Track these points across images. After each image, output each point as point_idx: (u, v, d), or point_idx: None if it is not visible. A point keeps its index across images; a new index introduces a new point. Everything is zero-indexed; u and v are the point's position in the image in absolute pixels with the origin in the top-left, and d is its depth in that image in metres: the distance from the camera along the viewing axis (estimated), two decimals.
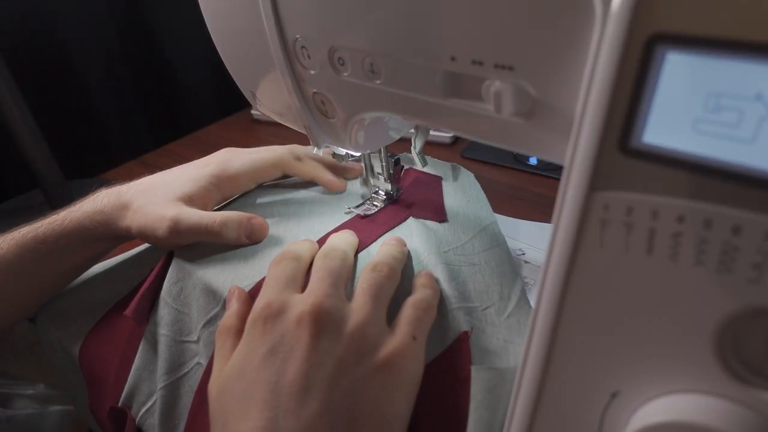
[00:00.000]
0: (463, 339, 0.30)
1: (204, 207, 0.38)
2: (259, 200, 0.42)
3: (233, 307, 0.31)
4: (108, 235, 0.38)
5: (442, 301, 0.31)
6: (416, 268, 0.33)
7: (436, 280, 0.32)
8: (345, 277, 0.30)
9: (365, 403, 0.25)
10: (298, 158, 0.43)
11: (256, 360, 0.26)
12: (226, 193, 0.41)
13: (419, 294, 0.30)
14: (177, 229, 0.35)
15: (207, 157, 0.42)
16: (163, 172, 0.41)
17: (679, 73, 0.14)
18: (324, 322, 0.26)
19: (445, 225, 0.38)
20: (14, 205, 0.69)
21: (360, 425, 0.25)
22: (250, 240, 0.36)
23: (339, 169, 0.44)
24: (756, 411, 0.16)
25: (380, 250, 0.33)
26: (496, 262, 0.35)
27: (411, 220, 0.38)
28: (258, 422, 0.24)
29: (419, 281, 0.31)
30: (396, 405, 0.26)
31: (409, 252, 0.34)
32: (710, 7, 0.13)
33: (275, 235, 0.37)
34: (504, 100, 0.20)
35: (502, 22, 0.19)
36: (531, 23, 0.19)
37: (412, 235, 0.36)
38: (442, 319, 0.30)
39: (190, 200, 0.37)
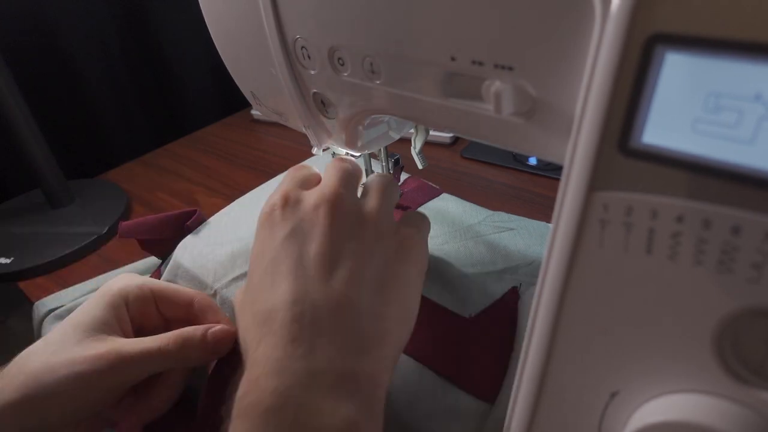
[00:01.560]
0: (512, 295, 0.31)
1: (124, 330, 0.31)
2: (255, 202, 0.42)
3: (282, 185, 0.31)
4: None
5: (486, 266, 0.34)
6: (454, 240, 0.34)
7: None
8: (357, 178, 0.31)
9: (389, 274, 0.27)
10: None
11: (278, 240, 0.26)
12: (134, 311, 0.32)
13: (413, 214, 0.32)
14: (120, 367, 0.27)
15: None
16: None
17: (679, 74, 0.14)
18: (340, 206, 0.27)
19: (463, 205, 0.39)
20: (14, 205, 0.69)
21: (386, 292, 0.26)
22: (216, 355, 0.30)
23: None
24: (756, 411, 0.16)
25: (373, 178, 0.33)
26: (532, 226, 0.37)
27: (430, 204, 0.39)
28: (287, 292, 0.24)
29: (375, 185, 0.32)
30: (413, 279, 0.28)
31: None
32: (710, 7, 0.13)
33: None
34: (504, 100, 0.20)
35: (502, 22, 0.19)
36: (531, 23, 0.19)
37: (435, 217, 0.37)
38: (489, 283, 0.31)
39: (104, 327, 0.29)
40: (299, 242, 0.26)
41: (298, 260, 0.25)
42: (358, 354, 0.24)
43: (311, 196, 0.28)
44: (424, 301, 0.30)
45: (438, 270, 0.36)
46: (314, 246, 0.26)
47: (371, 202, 0.29)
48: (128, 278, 0.32)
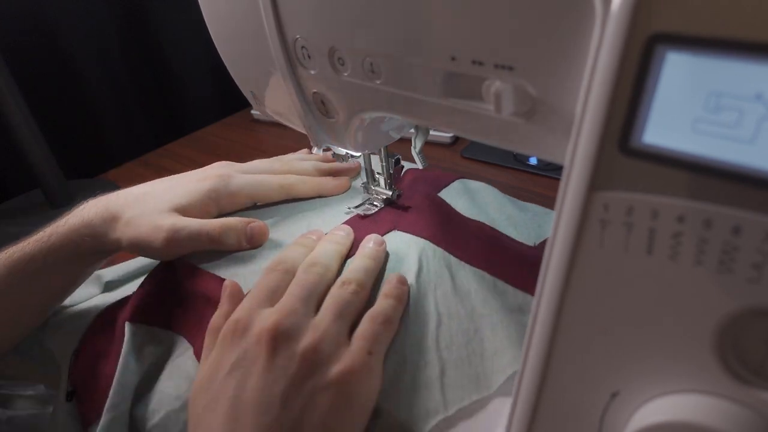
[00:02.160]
0: None
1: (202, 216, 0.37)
2: (253, 202, 0.42)
3: (223, 307, 0.31)
4: (97, 248, 0.37)
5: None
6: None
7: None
8: (320, 292, 0.31)
9: (313, 421, 0.26)
10: (303, 173, 0.43)
11: (222, 373, 0.28)
12: (223, 210, 0.39)
13: (379, 306, 0.30)
14: (176, 239, 0.34)
15: (202, 169, 0.41)
16: (154, 181, 0.40)
17: (679, 73, 0.14)
18: (280, 340, 0.27)
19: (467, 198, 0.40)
20: (14, 205, 0.69)
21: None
22: (251, 245, 0.36)
23: (339, 170, 0.44)
24: (756, 411, 0.16)
25: (353, 260, 0.33)
26: (542, 210, 0.39)
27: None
28: (223, 418, 0.26)
29: (384, 289, 0.31)
30: (345, 424, 0.27)
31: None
32: (710, 7, 0.13)
33: (274, 238, 0.37)
34: (504, 100, 0.20)
35: (502, 22, 0.19)
36: (531, 23, 0.18)
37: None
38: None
39: (185, 213, 0.37)
40: (239, 378, 0.27)
41: (233, 402, 0.26)
42: None
43: (258, 325, 0.28)
44: (499, 234, 0.36)
45: (501, 208, 0.39)
46: (250, 385, 0.26)
47: (316, 330, 0.28)
48: (228, 184, 0.39)
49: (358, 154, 0.38)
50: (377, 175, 0.40)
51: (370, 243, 0.34)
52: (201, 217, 0.37)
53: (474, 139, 0.25)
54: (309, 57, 0.29)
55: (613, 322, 0.18)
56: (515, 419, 0.21)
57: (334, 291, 0.31)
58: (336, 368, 0.27)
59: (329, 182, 0.42)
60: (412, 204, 0.39)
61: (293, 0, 0.27)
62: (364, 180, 0.41)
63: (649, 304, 0.17)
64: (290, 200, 0.41)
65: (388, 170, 0.39)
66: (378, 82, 0.26)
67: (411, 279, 0.32)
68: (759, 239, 0.14)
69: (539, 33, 0.18)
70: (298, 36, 0.28)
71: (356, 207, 0.39)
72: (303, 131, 0.36)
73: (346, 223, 0.37)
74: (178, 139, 0.81)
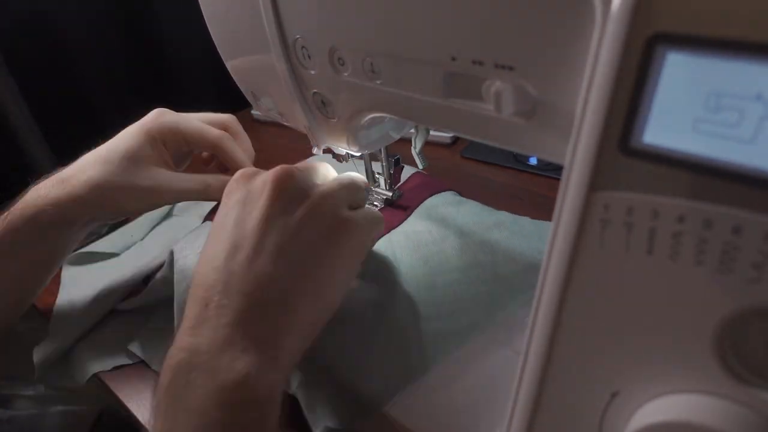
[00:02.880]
0: None
1: (164, 163, 0.40)
2: None
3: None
4: (60, 215, 0.37)
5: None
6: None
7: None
8: (325, 175, 0.33)
9: (312, 251, 0.28)
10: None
11: (228, 205, 0.30)
12: (166, 142, 0.40)
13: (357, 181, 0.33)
14: (160, 197, 0.38)
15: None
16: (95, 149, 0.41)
17: (680, 73, 0.14)
18: (286, 184, 0.29)
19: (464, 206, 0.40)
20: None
21: (303, 269, 0.28)
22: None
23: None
24: (756, 411, 0.16)
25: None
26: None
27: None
28: (216, 258, 0.28)
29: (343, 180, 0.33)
30: (333, 270, 0.29)
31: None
32: (710, 7, 0.13)
33: None
34: (504, 100, 0.20)
35: (503, 22, 0.19)
36: (531, 23, 0.18)
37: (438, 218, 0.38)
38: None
39: (143, 158, 0.38)
40: (243, 210, 0.29)
41: (235, 228, 0.28)
42: (261, 320, 0.26)
43: (267, 173, 0.30)
44: None
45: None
46: (252, 217, 0.28)
47: (321, 186, 0.31)
48: (161, 118, 0.40)
49: (358, 154, 0.38)
50: (377, 176, 0.40)
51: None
52: (156, 156, 0.39)
53: (474, 139, 0.25)
54: (309, 57, 0.29)
55: (613, 321, 0.18)
56: (515, 419, 0.21)
57: (340, 175, 0.33)
58: (337, 219, 0.29)
59: (220, 180, 0.41)
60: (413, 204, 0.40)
61: (293, 0, 0.27)
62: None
63: (650, 304, 0.17)
64: None
65: (388, 170, 0.39)
66: (378, 82, 0.26)
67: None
68: (759, 239, 0.14)
69: (539, 33, 0.18)
70: (298, 36, 0.28)
71: None
72: (303, 131, 0.36)
73: None
74: None
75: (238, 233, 0.28)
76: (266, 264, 0.27)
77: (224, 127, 0.43)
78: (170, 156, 0.41)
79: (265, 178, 0.30)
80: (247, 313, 0.26)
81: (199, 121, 0.41)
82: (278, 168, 0.30)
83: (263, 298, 0.27)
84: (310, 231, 0.29)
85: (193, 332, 0.26)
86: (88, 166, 0.38)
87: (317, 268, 0.28)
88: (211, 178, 0.40)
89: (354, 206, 0.32)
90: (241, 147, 0.43)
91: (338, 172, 0.36)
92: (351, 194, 0.32)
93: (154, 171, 0.38)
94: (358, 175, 0.34)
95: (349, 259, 0.30)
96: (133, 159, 0.38)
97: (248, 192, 0.30)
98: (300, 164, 0.32)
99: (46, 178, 0.39)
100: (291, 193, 0.29)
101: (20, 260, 0.38)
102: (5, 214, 0.37)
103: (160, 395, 0.25)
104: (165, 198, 0.39)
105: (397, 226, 0.39)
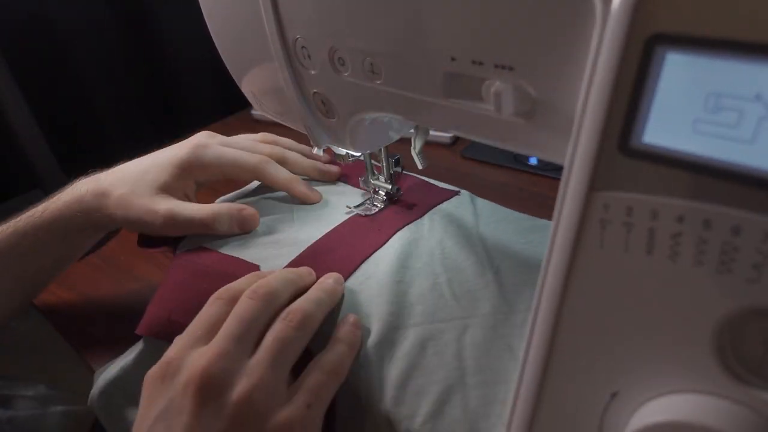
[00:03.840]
0: None
1: (184, 195, 0.40)
2: (258, 198, 0.42)
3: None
4: (89, 224, 0.38)
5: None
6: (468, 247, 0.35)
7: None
8: (261, 324, 0.28)
9: None
10: (283, 160, 0.42)
11: (147, 423, 0.26)
12: (198, 179, 0.41)
13: (330, 353, 0.28)
14: (172, 223, 0.37)
15: (187, 140, 0.42)
16: (138, 159, 0.41)
17: (679, 73, 0.14)
18: (208, 390, 0.25)
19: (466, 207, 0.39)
20: (14, 205, 0.69)
21: None
22: (242, 230, 0.37)
23: (319, 172, 0.44)
24: (756, 411, 0.16)
25: (308, 291, 0.31)
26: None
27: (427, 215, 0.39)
28: None
29: (339, 332, 0.29)
30: None
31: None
32: (710, 7, 0.13)
33: (274, 236, 0.37)
34: (504, 100, 0.20)
35: (502, 22, 0.19)
36: (531, 23, 0.19)
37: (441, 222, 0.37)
38: None
39: (168, 189, 0.39)
40: (164, 429, 0.25)
41: None
42: None
43: (187, 370, 0.26)
44: None
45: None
46: None
47: (251, 376, 0.26)
48: (202, 154, 0.40)
49: (358, 154, 0.38)
50: (377, 176, 0.40)
51: (329, 279, 0.32)
52: (183, 192, 0.40)
53: (474, 139, 0.25)
54: (309, 57, 0.29)
55: (612, 322, 0.18)
56: (515, 419, 0.21)
57: (276, 325, 0.28)
58: (270, 423, 0.25)
59: (301, 186, 0.41)
60: (414, 203, 0.40)
61: (293, 0, 0.27)
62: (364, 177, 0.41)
63: (649, 304, 0.17)
64: (290, 200, 0.41)
65: (388, 170, 0.39)
66: (378, 82, 0.26)
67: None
68: (759, 239, 0.14)
69: (539, 33, 0.18)
70: (298, 36, 0.28)
71: (356, 206, 0.39)
72: (303, 131, 0.36)
73: (346, 222, 0.37)
74: (178, 139, 0.81)
75: None
76: None
77: (271, 141, 0.44)
78: (193, 189, 0.42)
79: (187, 381, 0.25)
80: None
81: (236, 151, 0.41)
82: (200, 365, 0.25)
83: None
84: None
85: None
86: (121, 184, 0.39)
87: None
88: (218, 210, 0.37)
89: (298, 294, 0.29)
90: (290, 157, 0.43)
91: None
92: (289, 358, 0.27)
93: (171, 201, 0.38)
94: (297, 314, 0.28)
95: None
96: (157, 186, 0.38)
97: (170, 401, 0.25)
98: (227, 333, 0.27)
99: (91, 174, 0.40)
100: (214, 403, 0.25)
101: (47, 255, 0.39)
102: (44, 206, 0.38)
103: None
104: (168, 229, 0.38)
105: (406, 224, 0.38)
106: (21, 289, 0.40)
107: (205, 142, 0.41)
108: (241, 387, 0.25)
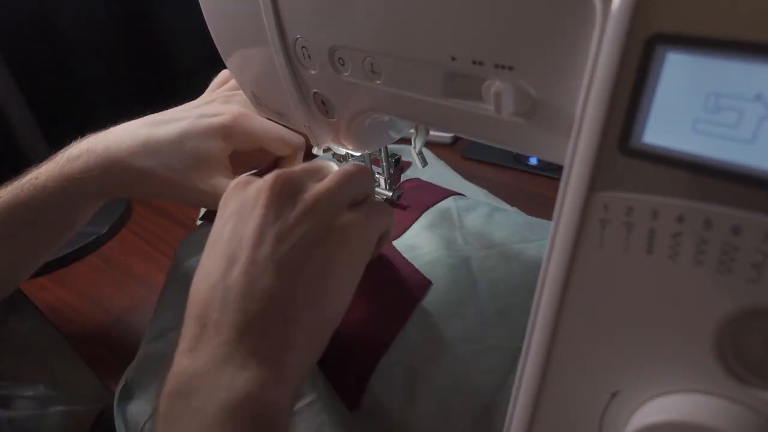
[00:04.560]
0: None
1: (225, 166, 0.39)
2: None
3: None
4: (100, 193, 0.37)
5: None
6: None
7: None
8: (323, 169, 0.31)
9: (308, 266, 0.27)
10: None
11: (223, 219, 0.29)
12: (238, 147, 0.40)
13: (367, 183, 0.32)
14: (213, 202, 0.34)
15: (210, 103, 0.42)
16: (153, 118, 0.40)
17: (679, 73, 0.14)
18: (280, 189, 0.28)
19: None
20: None
21: (301, 277, 0.27)
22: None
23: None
24: (756, 411, 0.16)
25: None
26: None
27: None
28: (211, 275, 0.27)
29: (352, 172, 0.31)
30: (337, 276, 0.28)
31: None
32: (710, 7, 0.13)
33: None
34: (504, 100, 0.20)
35: (502, 22, 0.19)
36: (531, 23, 0.19)
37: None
38: None
39: (212, 162, 0.37)
40: (238, 221, 0.28)
41: (230, 241, 0.27)
42: (261, 336, 0.25)
43: (261, 180, 0.29)
44: None
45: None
46: (248, 229, 0.27)
47: (318, 185, 0.29)
48: (242, 120, 0.39)
49: (358, 154, 0.38)
50: (377, 176, 0.40)
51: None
52: (223, 159, 0.39)
53: (474, 139, 0.25)
54: (309, 57, 0.29)
55: (613, 322, 0.18)
56: (515, 419, 0.21)
57: (340, 168, 0.31)
58: (334, 223, 0.28)
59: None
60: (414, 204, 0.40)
61: (293, 0, 0.27)
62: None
63: (649, 304, 0.17)
64: None
65: (388, 170, 0.39)
66: (378, 82, 0.26)
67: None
68: (759, 239, 0.14)
69: (539, 33, 0.18)
70: (298, 36, 0.28)
71: None
72: (303, 131, 0.36)
73: None
74: None
75: (233, 246, 0.27)
76: (263, 277, 0.26)
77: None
78: (228, 160, 0.40)
79: (260, 185, 0.29)
80: (246, 330, 0.25)
81: (280, 126, 0.40)
82: (273, 174, 0.29)
83: (262, 312, 0.26)
84: (305, 239, 0.27)
85: (190, 354, 0.25)
86: (146, 155, 0.37)
87: (317, 277, 0.27)
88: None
89: (359, 200, 0.30)
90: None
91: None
92: (350, 190, 0.30)
93: (215, 177, 0.37)
94: (358, 165, 0.32)
95: (349, 266, 0.28)
96: (199, 159, 0.37)
97: (243, 201, 0.28)
98: (300, 166, 0.31)
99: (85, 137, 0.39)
100: (286, 200, 0.28)
101: (50, 224, 0.38)
102: (44, 176, 0.37)
103: (159, 425, 0.24)
104: (215, 203, 0.38)
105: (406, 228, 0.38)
106: (24, 257, 0.39)
107: (245, 112, 0.40)
108: (312, 191, 0.29)
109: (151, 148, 0.37)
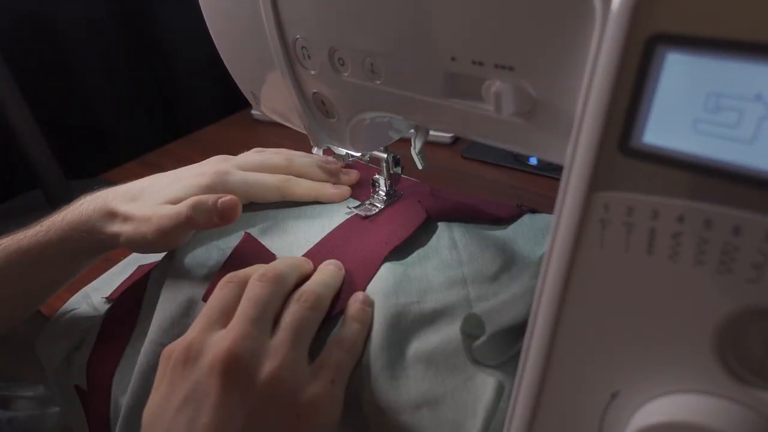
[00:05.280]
0: None
1: None
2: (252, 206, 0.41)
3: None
4: (93, 244, 0.36)
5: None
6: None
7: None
8: (275, 307, 0.29)
9: None
10: (299, 174, 0.41)
11: (173, 406, 0.26)
12: None
13: (344, 330, 0.29)
14: (159, 227, 0.33)
15: (200, 164, 0.40)
16: (153, 176, 0.39)
17: (679, 73, 0.14)
18: (235, 371, 0.25)
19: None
20: (14, 205, 0.69)
21: None
22: (224, 221, 0.34)
23: (339, 173, 0.42)
24: (756, 411, 0.16)
25: (313, 276, 0.32)
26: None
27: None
28: None
29: (349, 311, 0.30)
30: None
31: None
32: (710, 7, 0.13)
33: (273, 239, 0.37)
34: (504, 100, 0.20)
35: (503, 22, 0.19)
36: (531, 23, 0.19)
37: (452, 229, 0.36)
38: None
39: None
40: (191, 413, 0.25)
41: None
42: None
43: (211, 352, 0.26)
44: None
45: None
46: (203, 422, 0.25)
47: (276, 356, 0.26)
48: (224, 177, 0.37)
49: (358, 154, 0.38)
50: (377, 176, 0.40)
51: (330, 265, 0.33)
52: None
53: (474, 139, 0.25)
54: (309, 57, 0.29)
55: (613, 322, 0.18)
56: (515, 419, 0.21)
57: (292, 306, 0.29)
58: (298, 399, 0.26)
59: (328, 189, 0.40)
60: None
61: (293, 0, 0.27)
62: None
63: (649, 304, 0.17)
64: (290, 201, 0.41)
65: (388, 170, 0.39)
66: (378, 82, 0.26)
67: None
68: (759, 239, 0.14)
69: (539, 33, 0.18)
70: (298, 36, 0.28)
71: (356, 207, 0.39)
72: (303, 131, 0.36)
73: (346, 222, 0.37)
74: (178, 139, 0.81)
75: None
76: None
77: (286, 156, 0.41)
78: None
79: (212, 363, 0.26)
80: None
81: (258, 175, 0.38)
82: (225, 347, 0.26)
83: None
84: (274, 427, 0.25)
85: None
86: (130, 202, 0.36)
87: None
88: (189, 200, 0.35)
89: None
90: (305, 167, 0.40)
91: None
92: (307, 339, 0.28)
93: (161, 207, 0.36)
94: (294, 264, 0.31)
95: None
96: (167, 202, 0.36)
97: (195, 385, 0.26)
98: (245, 300, 0.28)
99: (97, 191, 0.37)
100: (241, 384, 0.25)
101: (49, 273, 0.38)
102: (48, 224, 0.36)
103: None
104: (164, 235, 0.35)
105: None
106: (21, 304, 0.39)
107: (225, 169, 0.38)
108: (268, 366, 0.26)
109: (135, 197, 0.37)
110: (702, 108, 0.14)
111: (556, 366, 0.20)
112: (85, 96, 0.80)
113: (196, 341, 0.27)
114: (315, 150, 0.37)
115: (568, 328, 0.19)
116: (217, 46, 0.35)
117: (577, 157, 0.16)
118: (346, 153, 0.38)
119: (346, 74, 0.28)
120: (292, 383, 0.26)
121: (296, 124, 0.36)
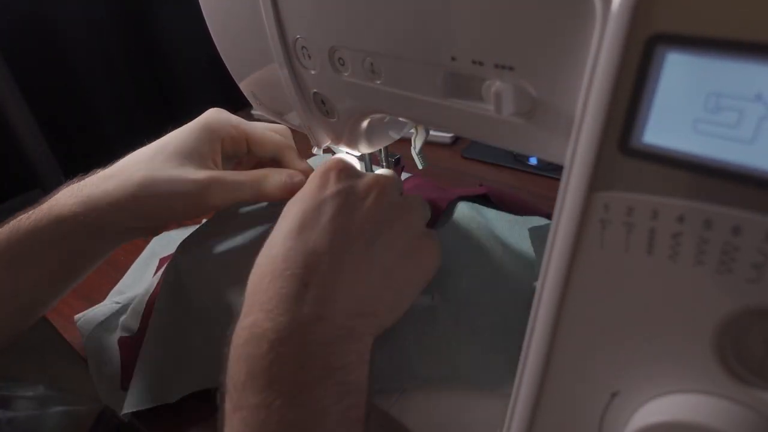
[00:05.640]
0: None
1: (214, 164, 0.36)
2: (256, 204, 0.41)
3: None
4: (89, 221, 0.33)
5: None
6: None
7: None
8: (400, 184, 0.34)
9: (400, 267, 0.29)
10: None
11: (326, 194, 0.29)
12: (226, 146, 0.37)
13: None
14: (219, 189, 0.33)
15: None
16: (142, 149, 0.37)
17: (679, 73, 0.14)
18: (388, 194, 0.30)
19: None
20: (14, 205, 0.69)
21: (397, 285, 0.29)
22: (290, 194, 0.34)
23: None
24: (756, 411, 0.16)
25: None
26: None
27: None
28: (320, 241, 0.27)
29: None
30: (416, 280, 0.30)
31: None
32: (710, 7, 0.13)
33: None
34: (504, 100, 0.20)
35: (503, 22, 0.19)
36: (531, 23, 0.19)
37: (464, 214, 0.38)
38: None
39: (198, 157, 0.35)
40: (346, 206, 0.28)
41: (338, 218, 0.28)
42: (360, 316, 0.27)
43: (366, 176, 0.31)
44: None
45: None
46: (358, 218, 0.28)
47: (410, 200, 0.32)
48: (222, 115, 0.37)
49: (358, 154, 0.38)
50: None
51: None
52: (210, 156, 0.36)
53: (474, 139, 0.25)
54: (309, 57, 0.29)
55: (613, 322, 0.18)
56: (515, 419, 0.21)
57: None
58: (418, 237, 0.30)
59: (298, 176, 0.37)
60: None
61: (293, 0, 0.27)
62: None
63: (649, 304, 0.17)
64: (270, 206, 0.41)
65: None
66: (378, 82, 0.26)
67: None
68: (759, 239, 0.14)
69: (539, 33, 0.18)
70: (298, 36, 0.28)
71: None
72: (303, 131, 0.36)
73: None
74: None
75: (340, 229, 0.28)
76: (367, 269, 0.28)
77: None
78: (220, 158, 0.37)
79: (371, 183, 0.30)
80: (349, 309, 0.26)
81: (262, 123, 0.39)
82: (383, 177, 0.31)
83: (363, 300, 0.27)
84: (401, 247, 0.29)
85: (289, 313, 0.25)
86: (131, 165, 0.34)
87: (402, 283, 0.30)
88: (268, 171, 0.35)
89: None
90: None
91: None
92: (427, 214, 0.33)
93: (203, 168, 0.34)
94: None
95: (425, 278, 0.31)
96: (183, 154, 0.34)
97: (351, 191, 0.29)
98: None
99: (87, 175, 0.36)
100: (390, 206, 0.30)
101: (41, 264, 0.34)
102: (31, 211, 0.34)
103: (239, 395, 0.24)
104: (214, 196, 0.34)
105: None
106: (18, 304, 0.36)
107: (222, 110, 0.38)
108: (407, 203, 0.31)
109: (145, 158, 0.36)
110: (702, 108, 0.14)
111: (556, 366, 0.20)
112: (85, 96, 0.80)
113: (348, 165, 0.31)
114: (315, 150, 0.37)
115: (568, 328, 0.19)
116: (217, 46, 0.35)
117: (577, 157, 0.16)
118: (346, 153, 0.38)
119: (346, 74, 0.27)
120: (419, 222, 0.32)
121: (296, 124, 0.36)
